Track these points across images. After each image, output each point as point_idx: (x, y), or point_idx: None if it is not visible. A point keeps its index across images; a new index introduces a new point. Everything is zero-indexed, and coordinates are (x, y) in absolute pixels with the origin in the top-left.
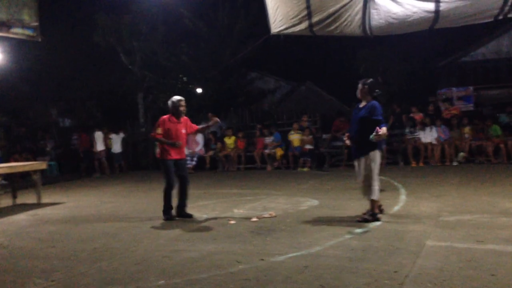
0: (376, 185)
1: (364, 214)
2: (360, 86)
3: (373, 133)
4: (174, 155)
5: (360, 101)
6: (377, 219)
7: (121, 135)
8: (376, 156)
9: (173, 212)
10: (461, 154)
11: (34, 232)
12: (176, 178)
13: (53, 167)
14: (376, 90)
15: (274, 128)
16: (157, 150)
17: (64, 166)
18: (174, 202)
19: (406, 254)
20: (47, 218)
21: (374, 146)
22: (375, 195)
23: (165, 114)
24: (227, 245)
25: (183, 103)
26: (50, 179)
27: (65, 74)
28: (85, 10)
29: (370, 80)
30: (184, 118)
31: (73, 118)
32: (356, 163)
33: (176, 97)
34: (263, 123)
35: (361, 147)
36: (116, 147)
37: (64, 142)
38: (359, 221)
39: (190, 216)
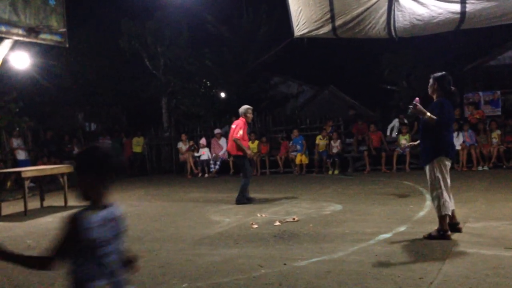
0: (443, 198)
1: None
2: (430, 81)
3: (410, 106)
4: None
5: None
6: (447, 237)
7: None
8: (442, 163)
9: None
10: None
11: None
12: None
13: None
14: (452, 87)
15: (297, 132)
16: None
17: None
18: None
19: (431, 261)
20: None
21: (439, 152)
22: (442, 210)
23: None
24: (250, 249)
25: (250, 111)
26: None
27: (91, 79)
28: (111, 17)
29: (441, 74)
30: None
31: (99, 122)
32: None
33: (247, 106)
34: (287, 128)
35: (425, 152)
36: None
37: None
38: (425, 238)
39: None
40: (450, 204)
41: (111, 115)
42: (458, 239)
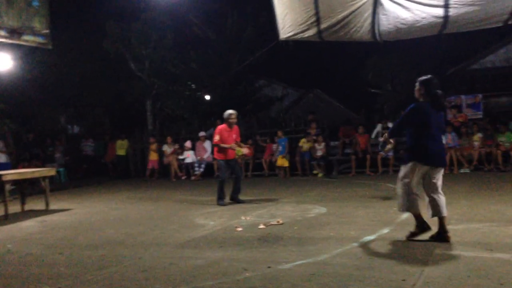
0: (404, 197)
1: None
2: (416, 85)
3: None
4: (227, 156)
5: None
6: (427, 228)
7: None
8: (416, 168)
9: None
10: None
11: (42, 239)
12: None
13: (61, 174)
14: (437, 90)
15: (282, 133)
16: None
17: (73, 172)
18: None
19: (413, 263)
20: (55, 225)
21: (412, 157)
22: (404, 208)
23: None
24: (234, 252)
25: (234, 116)
26: (58, 186)
27: (74, 81)
28: (95, 18)
29: (426, 77)
30: (235, 127)
31: (82, 125)
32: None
33: (230, 111)
34: (272, 130)
35: (404, 154)
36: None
37: (73, 149)
38: (412, 234)
39: (242, 201)
40: (418, 206)
41: (94, 117)
42: (440, 241)
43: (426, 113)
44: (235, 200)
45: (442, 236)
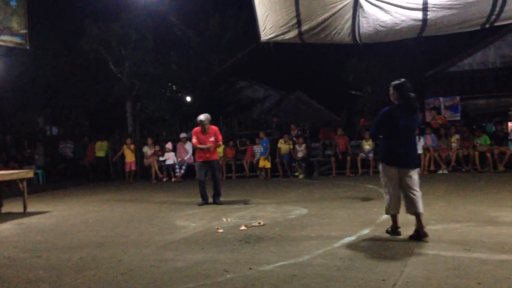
0: (385, 200)
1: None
2: (390, 90)
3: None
4: (203, 158)
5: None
6: (397, 233)
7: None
8: (383, 169)
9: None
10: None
11: (19, 242)
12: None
13: (39, 176)
14: (410, 94)
15: (264, 134)
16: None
17: (51, 174)
18: None
19: (393, 263)
20: (33, 228)
21: (380, 158)
22: (387, 209)
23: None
24: (215, 254)
25: (206, 121)
26: (36, 188)
27: (52, 82)
28: (74, 18)
29: (399, 81)
30: (212, 129)
31: (60, 126)
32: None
33: (200, 118)
34: (253, 132)
35: (413, 157)
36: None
37: (51, 151)
38: (387, 232)
39: (221, 203)
40: (396, 207)
41: (73, 118)
42: (419, 241)
43: (395, 116)
44: (214, 202)
45: (420, 232)
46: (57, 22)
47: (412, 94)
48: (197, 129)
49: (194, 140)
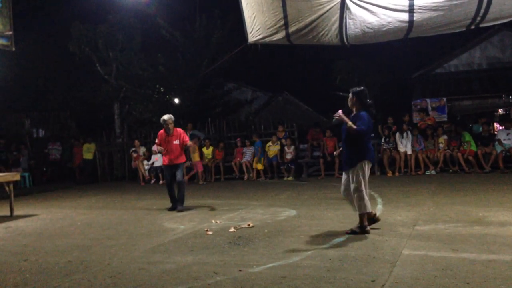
0: (364, 198)
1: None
2: (349, 95)
3: (335, 116)
4: (167, 161)
5: (351, 111)
6: (366, 232)
7: None
8: (365, 167)
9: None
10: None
11: (6, 245)
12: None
13: (26, 179)
14: (368, 100)
15: (256, 136)
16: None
17: (38, 177)
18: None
19: (382, 263)
20: (20, 231)
21: (362, 157)
22: (364, 209)
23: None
24: (205, 256)
25: (169, 121)
26: (23, 191)
27: (39, 84)
28: (61, 20)
29: (359, 89)
30: (177, 131)
31: (47, 128)
32: (344, 175)
33: (163, 117)
34: (241, 134)
35: (349, 158)
36: None
37: (38, 153)
38: (347, 233)
39: (180, 210)
40: (369, 203)
41: (60, 120)
42: (408, 241)
43: (370, 120)
44: (173, 207)
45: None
46: (43, 23)
47: (371, 101)
48: (161, 131)
49: (156, 141)
